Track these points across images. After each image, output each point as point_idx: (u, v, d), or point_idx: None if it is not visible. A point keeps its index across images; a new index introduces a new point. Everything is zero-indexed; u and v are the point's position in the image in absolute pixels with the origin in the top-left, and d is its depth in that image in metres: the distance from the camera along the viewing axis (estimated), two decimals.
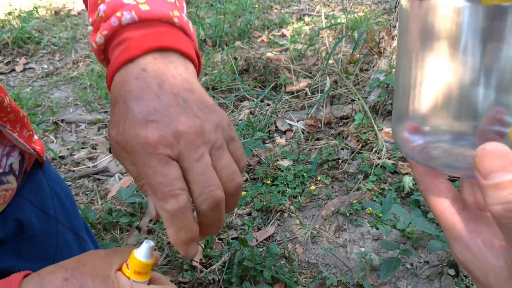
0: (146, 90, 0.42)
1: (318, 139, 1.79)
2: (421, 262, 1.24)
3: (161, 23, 0.46)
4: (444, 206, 0.30)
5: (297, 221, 1.40)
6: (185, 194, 0.39)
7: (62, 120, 2.23)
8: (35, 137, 0.75)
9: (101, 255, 0.45)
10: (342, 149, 1.69)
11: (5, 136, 0.66)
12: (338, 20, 2.84)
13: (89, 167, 1.87)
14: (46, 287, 0.41)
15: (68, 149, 1.99)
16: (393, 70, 1.81)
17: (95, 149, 1.99)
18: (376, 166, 1.55)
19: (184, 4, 0.52)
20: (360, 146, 1.68)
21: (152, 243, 0.43)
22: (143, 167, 0.39)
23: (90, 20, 0.50)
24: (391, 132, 1.75)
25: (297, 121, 1.91)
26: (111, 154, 0.43)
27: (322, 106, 1.95)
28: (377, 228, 1.33)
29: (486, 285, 0.27)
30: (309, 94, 2.07)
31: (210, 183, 0.40)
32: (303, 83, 2.14)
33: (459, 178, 0.35)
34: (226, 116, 0.44)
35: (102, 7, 0.47)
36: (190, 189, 0.40)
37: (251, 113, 2.01)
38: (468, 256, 0.28)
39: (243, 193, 1.50)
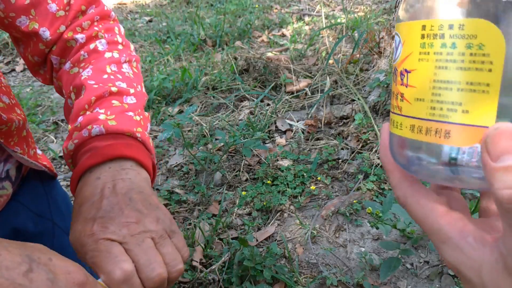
0: (97, 194, 0.49)
1: (318, 139, 1.79)
2: (421, 262, 1.24)
3: (125, 136, 0.56)
4: (427, 210, 0.29)
5: (297, 221, 1.40)
6: (130, 261, 0.44)
7: (62, 120, 2.23)
8: (39, 151, 0.76)
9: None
10: (342, 149, 1.69)
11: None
12: (338, 20, 2.84)
13: None
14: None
15: None
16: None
17: None
18: (376, 166, 1.55)
19: (148, 125, 0.64)
20: (360, 146, 1.68)
21: None
22: (92, 255, 0.44)
23: (69, 127, 0.59)
24: None
25: (297, 121, 1.91)
26: None
27: (322, 106, 1.95)
28: (377, 228, 1.33)
29: (479, 284, 0.26)
30: (309, 94, 2.07)
31: (152, 260, 0.45)
32: (303, 83, 2.13)
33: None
34: (168, 213, 0.52)
35: (80, 119, 0.56)
36: (137, 270, 0.45)
37: (251, 113, 2.01)
38: (460, 258, 0.27)
39: (243, 193, 1.50)
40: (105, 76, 0.61)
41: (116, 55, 0.65)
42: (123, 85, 0.61)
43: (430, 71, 0.27)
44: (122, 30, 0.70)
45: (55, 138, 2.08)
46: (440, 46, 0.26)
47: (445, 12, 0.26)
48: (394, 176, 0.31)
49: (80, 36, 0.64)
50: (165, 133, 1.50)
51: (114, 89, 0.60)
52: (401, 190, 0.31)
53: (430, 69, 0.27)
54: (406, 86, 0.29)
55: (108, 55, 0.64)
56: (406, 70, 0.29)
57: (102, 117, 0.56)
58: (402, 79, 0.29)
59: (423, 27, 0.27)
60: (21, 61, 2.97)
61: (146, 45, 2.98)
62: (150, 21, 3.57)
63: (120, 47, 0.66)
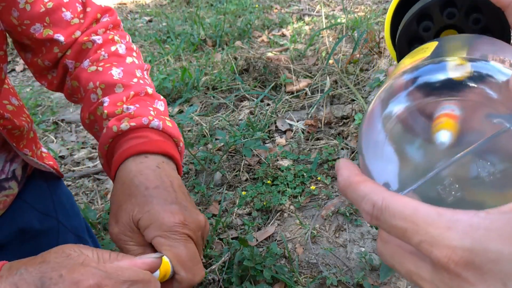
0: (166, 182, 0.52)
1: (318, 139, 1.79)
2: None
3: (172, 140, 0.59)
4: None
5: (297, 221, 1.40)
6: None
7: (62, 120, 2.23)
8: (43, 149, 0.76)
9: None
10: (342, 149, 1.70)
11: (8, 143, 0.67)
12: (338, 20, 2.84)
13: (89, 167, 1.87)
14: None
15: (68, 149, 1.99)
16: None
17: (95, 149, 1.99)
18: None
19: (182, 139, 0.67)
20: None
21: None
22: (173, 241, 0.47)
23: (106, 112, 0.59)
24: None
25: (297, 121, 1.91)
26: (110, 237, 0.52)
27: (322, 106, 1.95)
28: (377, 228, 1.33)
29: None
30: (309, 94, 2.07)
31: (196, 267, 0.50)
32: (303, 83, 2.14)
33: None
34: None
35: (131, 108, 0.59)
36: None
37: (251, 113, 2.01)
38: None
39: (243, 193, 1.50)
40: (135, 80, 0.63)
41: (136, 61, 0.67)
42: (151, 90, 0.64)
43: None
44: (130, 39, 0.73)
45: (55, 138, 2.08)
46: None
47: None
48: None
49: (97, 38, 0.65)
50: None
51: (149, 90, 0.62)
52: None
53: None
54: None
55: (129, 59, 0.65)
56: None
57: (153, 113, 0.59)
58: None
59: None
60: (21, 61, 2.97)
61: (146, 45, 2.98)
62: (150, 21, 3.57)
63: (135, 54, 0.68)
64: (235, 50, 2.64)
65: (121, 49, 0.65)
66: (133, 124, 0.56)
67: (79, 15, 0.64)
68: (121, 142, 0.57)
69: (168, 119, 0.60)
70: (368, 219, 0.25)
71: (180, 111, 2.10)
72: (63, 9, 0.63)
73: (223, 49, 2.73)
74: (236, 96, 2.13)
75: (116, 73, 0.62)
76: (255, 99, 2.10)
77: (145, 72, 0.67)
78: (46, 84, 0.71)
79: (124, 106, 0.59)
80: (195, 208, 0.52)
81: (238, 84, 2.20)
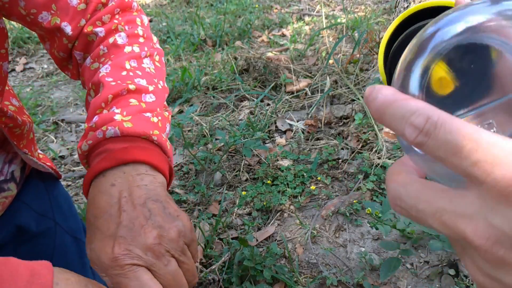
0: (114, 206, 0.47)
1: (318, 139, 1.79)
2: (421, 262, 1.24)
3: (141, 139, 0.53)
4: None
5: (297, 221, 1.40)
6: (160, 286, 0.45)
7: (62, 120, 2.23)
8: (40, 152, 0.76)
9: None
10: (342, 149, 1.69)
11: (8, 142, 0.67)
12: (338, 20, 2.84)
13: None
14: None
15: (68, 149, 1.99)
16: None
17: None
18: (376, 166, 1.55)
19: (168, 125, 0.60)
20: (360, 146, 1.68)
21: None
22: (116, 278, 0.44)
23: (86, 125, 0.56)
24: (391, 132, 1.75)
25: (297, 121, 1.91)
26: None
27: (322, 106, 1.95)
28: (377, 228, 1.33)
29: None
30: (309, 94, 2.07)
31: (179, 283, 0.46)
32: (303, 83, 2.13)
33: None
34: (188, 220, 0.50)
35: (95, 118, 0.54)
36: None
37: (251, 113, 2.01)
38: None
39: (243, 193, 1.50)
40: (124, 72, 0.58)
41: (136, 49, 0.62)
42: (143, 82, 0.59)
43: None
44: (146, 21, 0.67)
45: (55, 138, 2.08)
46: None
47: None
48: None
49: (100, 30, 0.61)
50: None
51: (132, 86, 0.57)
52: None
53: None
54: None
55: (128, 49, 0.61)
56: None
57: (117, 117, 0.54)
58: None
59: None
60: (21, 61, 2.97)
61: None
62: (150, 21, 3.56)
63: (141, 40, 0.64)
64: (235, 50, 2.63)
65: (120, 38, 0.61)
66: (90, 142, 0.53)
67: (85, 0, 0.61)
68: (89, 163, 0.54)
69: (129, 118, 0.54)
70: (413, 136, 0.22)
71: (180, 111, 2.10)
72: None
73: (223, 49, 2.73)
74: (236, 96, 2.13)
75: (104, 70, 0.58)
76: (255, 99, 2.10)
77: (145, 60, 0.62)
78: (69, 74, 0.68)
79: (95, 117, 0.54)
80: (168, 216, 0.48)
81: (238, 84, 2.20)
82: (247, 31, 2.92)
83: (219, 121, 1.97)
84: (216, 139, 1.80)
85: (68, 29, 0.61)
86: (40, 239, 0.73)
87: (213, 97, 2.17)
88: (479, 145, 0.20)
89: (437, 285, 1.18)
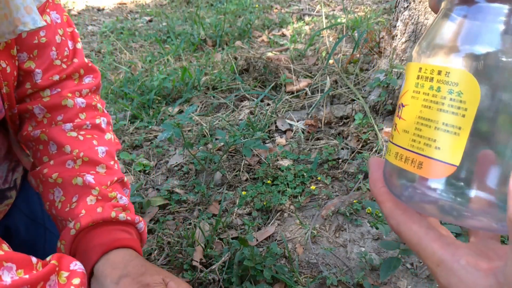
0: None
1: (318, 139, 1.79)
2: (421, 262, 1.24)
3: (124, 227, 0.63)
4: (420, 236, 0.30)
5: (297, 221, 1.40)
6: None
7: None
8: None
9: None
10: (342, 149, 1.69)
11: (11, 150, 0.67)
12: (338, 20, 2.84)
13: None
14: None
15: None
16: (393, 70, 1.81)
17: None
18: None
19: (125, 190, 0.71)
20: (360, 146, 1.68)
21: None
22: None
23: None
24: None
25: (297, 121, 1.91)
26: None
27: (322, 106, 1.95)
28: (377, 228, 1.33)
29: None
30: (309, 94, 2.07)
31: None
32: (303, 83, 2.13)
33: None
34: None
35: (124, 198, 0.65)
36: None
37: (251, 113, 2.01)
38: (453, 280, 0.27)
39: (243, 192, 1.50)
40: (112, 162, 0.67)
41: (113, 138, 0.70)
42: (125, 177, 0.69)
43: (418, 108, 0.31)
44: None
45: None
46: (428, 88, 0.30)
47: (438, 59, 0.30)
48: (386, 206, 0.32)
49: (81, 101, 0.66)
50: (165, 133, 1.50)
51: (124, 177, 0.68)
52: (394, 219, 0.32)
53: (418, 106, 0.31)
54: (399, 118, 0.33)
55: (108, 136, 0.69)
56: (402, 105, 0.33)
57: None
58: (398, 112, 0.33)
59: (420, 69, 0.31)
60: None
61: (146, 45, 2.98)
62: (150, 21, 3.56)
63: (110, 128, 0.72)
64: (235, 50, 2.63)
65: (104, 123, 0.69)
66: (129, 218, 0.62)
67: (63, 59, 0.65)
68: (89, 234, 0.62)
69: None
70: None
71: (180, 111, 2.10)
72: (53, 48, 0.64)
73: (223, 49, 2.73)
74: (236, 96, 2.13)
75: (101, 151, 0.65)
76: (255, 99, 2.09)
77: (116, 152, 0.71)
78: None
79: (118, 194, 0.63)
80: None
81: (238, 84, 2.20)
82: (247, 31, 2.92)
83: (219, 121, 1.97)
84: (216, 139, 1.80)
85: (38, 77, 0.63)
86: (31, 246, 0.74)
87: (213, 97, 2.17)
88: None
89: (437, 285, 1.18)
